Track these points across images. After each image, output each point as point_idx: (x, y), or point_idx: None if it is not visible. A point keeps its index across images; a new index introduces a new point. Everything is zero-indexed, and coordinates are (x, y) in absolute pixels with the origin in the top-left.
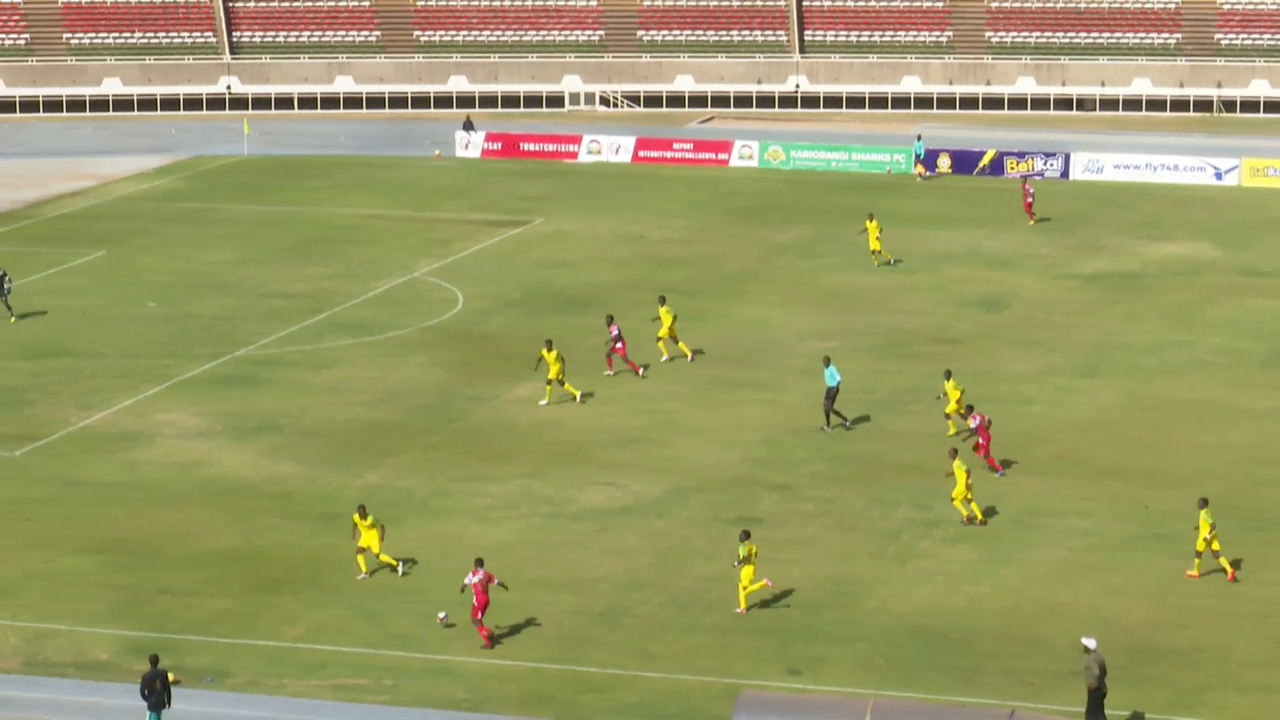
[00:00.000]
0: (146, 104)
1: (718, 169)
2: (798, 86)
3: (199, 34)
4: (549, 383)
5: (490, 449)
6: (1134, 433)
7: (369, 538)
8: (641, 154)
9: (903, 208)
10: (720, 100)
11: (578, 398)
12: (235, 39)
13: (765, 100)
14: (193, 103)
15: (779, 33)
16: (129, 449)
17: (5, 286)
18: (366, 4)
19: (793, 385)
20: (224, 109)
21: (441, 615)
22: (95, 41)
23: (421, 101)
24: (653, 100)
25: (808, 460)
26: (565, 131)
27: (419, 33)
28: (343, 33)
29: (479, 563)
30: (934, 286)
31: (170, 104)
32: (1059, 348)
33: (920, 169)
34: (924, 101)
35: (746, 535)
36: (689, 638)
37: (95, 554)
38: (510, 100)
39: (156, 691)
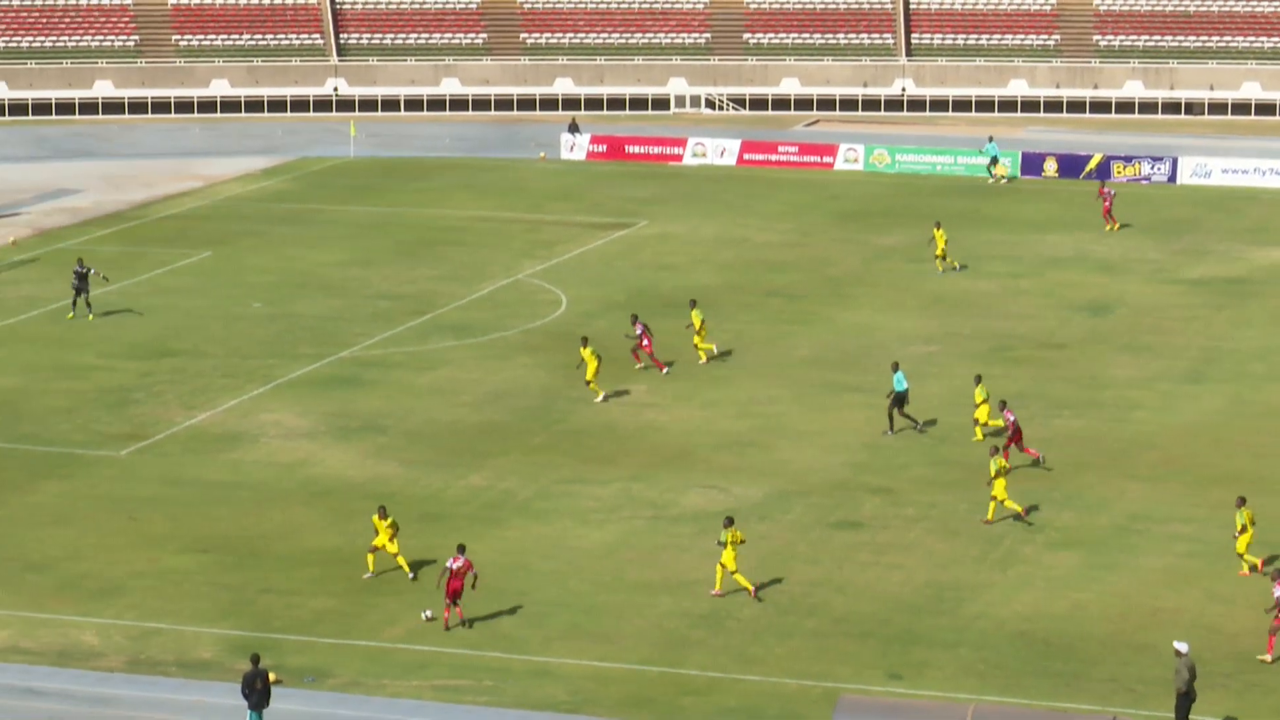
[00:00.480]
0: (254, 105)
1: (823, 172)
2: (904, 90)
3: (306, 36)
4: (588, 382)
5: (593, 451)
6: (1241, 439)
7: (383, 538)
8: (746, 157)
9: (1009, 212)
10: (826, 103)
11: (600, 397)
12: (342, 41)
13: (871, 103)
14: (300, 104)
15: (885, 36)
16: (233, 449)
17: (88, 282)
18: (473, 6)
19: None
20: (331, 111)
21: (426, 613)
22: (204, 43)
23: (527, 103)
24: (758, 103)
25: (911, 465)
26: (670, 134)
27: (525, 35)
28: (449, 35)
29: (461, 549)
30: (1040, 291)
31: (277, 106)
32: (1165, 353)
33: (1001, 169)
34: (1030, 105)
35: (730, 522)
36: (790, 641)
37: (200, 553)
38: (615, 103)
39: (257, 691)
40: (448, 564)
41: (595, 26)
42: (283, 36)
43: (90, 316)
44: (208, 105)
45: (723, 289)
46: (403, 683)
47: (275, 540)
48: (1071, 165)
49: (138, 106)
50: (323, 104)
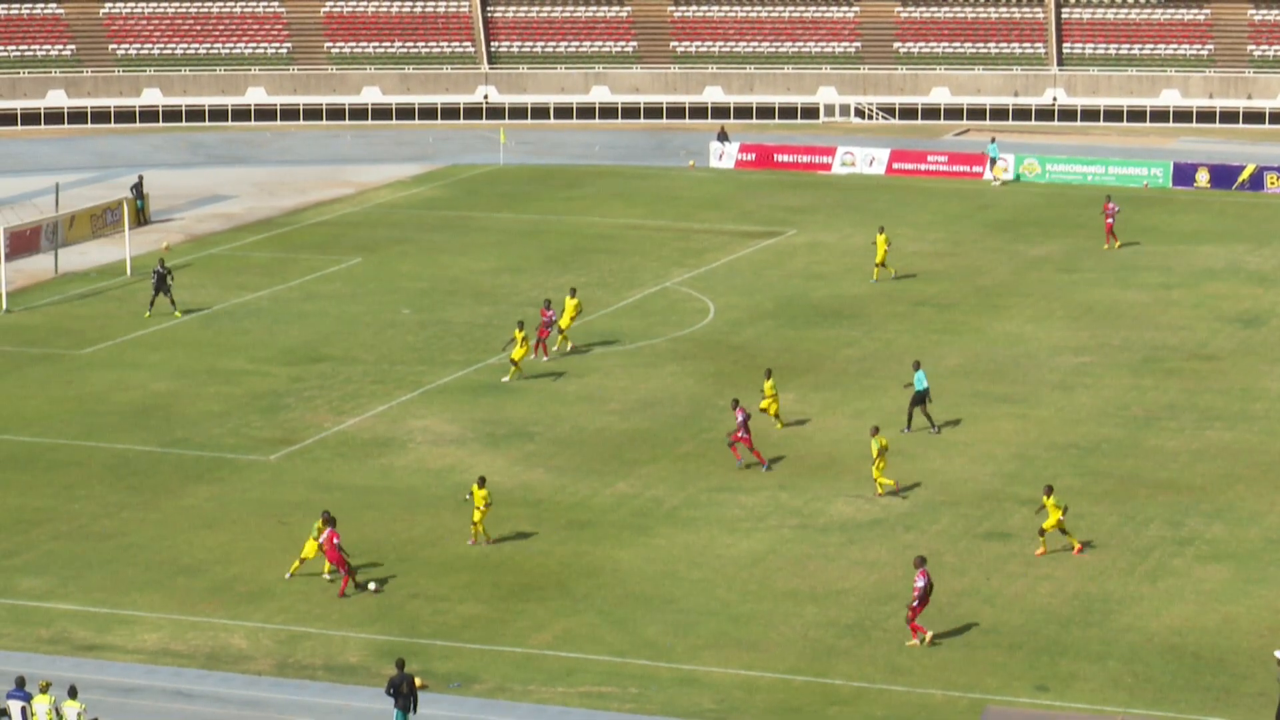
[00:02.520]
0: (405, 113)
1: (973, 182)
2: (1055, 99)
3: (457, 43)
4: (514, 363)
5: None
6: None
7: (310, 547)
8: (896, 166)
9: (1162, 223)
10: (976, 113)
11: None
12: (493, 49)
13: (1022, 113)
14: (450, 111)
15: (1037, 45)
16: (383, 454)
17: (168, 282)
18: (624, 14)
19: (1047, 400)
20: (481, 118)
21: (372, 586)
22: (355, 51)
23: (677, 112)
24: (908, 112)
25: (1060, 476)
26: (819, 143)
27: (676, 43)
28: (600, 43)
29: (330, 521)
30: (1193, 302)
31: (428, 113)
32: None
33: (999, 170)
34: (1183, 115)
35: (482, 482)
36: (937, 652)
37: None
38: (765, 111)
39: (404, 695)
40: (319, 539)
41: (745, 35)
42: (434, 44)
43: (176, 314)
44: (359, 112)
45: (872, 298)
46: (549, 689)
47: (423, 546)
48: (1224, 176)
49: (290, 113)
50: (473, 111)
